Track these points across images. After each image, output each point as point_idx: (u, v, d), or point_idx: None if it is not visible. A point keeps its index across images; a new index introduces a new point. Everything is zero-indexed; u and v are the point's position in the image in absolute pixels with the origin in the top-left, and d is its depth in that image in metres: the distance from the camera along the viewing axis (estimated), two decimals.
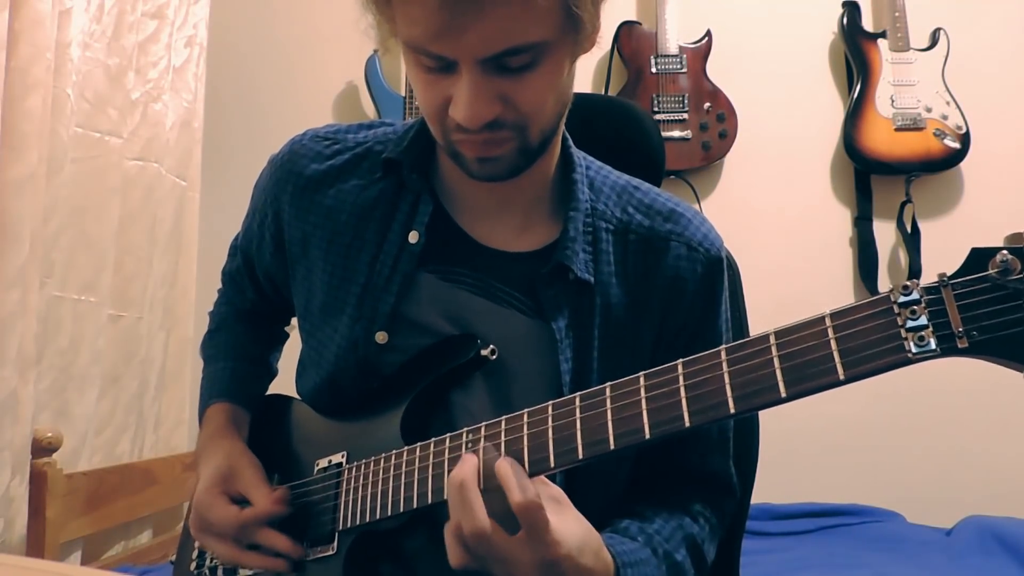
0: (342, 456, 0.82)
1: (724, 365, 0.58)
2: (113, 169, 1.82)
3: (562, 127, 0.82)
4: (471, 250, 0.84)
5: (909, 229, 2.27)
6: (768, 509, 2.04)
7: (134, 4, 1.91)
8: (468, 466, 0.65)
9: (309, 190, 0.86)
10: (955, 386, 2.09)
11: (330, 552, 0.78)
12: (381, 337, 0.82)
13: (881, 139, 2.24)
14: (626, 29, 2.37)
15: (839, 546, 1.87)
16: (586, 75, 2.44)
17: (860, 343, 0.53)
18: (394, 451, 0.75)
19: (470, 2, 0.63)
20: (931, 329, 0.51)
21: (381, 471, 0.76)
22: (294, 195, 0.87)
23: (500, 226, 0.84)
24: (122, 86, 1.86)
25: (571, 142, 0.86)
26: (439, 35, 0.66)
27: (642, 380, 0.62)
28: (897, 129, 2.23)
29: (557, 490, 0.68)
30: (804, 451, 2.15)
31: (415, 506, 0.71)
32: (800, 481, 2.14)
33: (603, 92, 2.38)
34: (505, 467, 0.64)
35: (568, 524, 0.65)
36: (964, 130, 2.21)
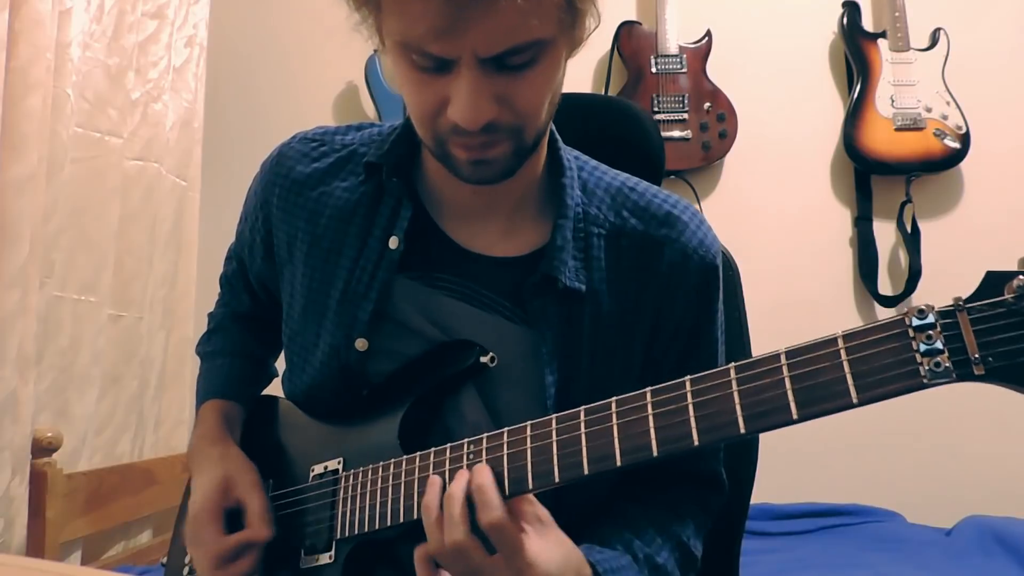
0: (338, 462, 0.80)
1: (734, 384, 0.56)
2: (113, 169, 1.82)
3: (551, 125, 0.80)
4: (454, 255, 0.81)
5: (909, 229, 2.26)
6: (768, 509, 2.04)
7: (134, 4, 1.90)
8: (433, 490, 0.66)
9: (295, 192, 0.86)
10: (955, 386, 2.08)
11: (328, 561, 0.77)
12: (361, 344, 0.81)
13: (881, 139, 2.23)
14: (626, 29, 2.37)
15: (839, 546, 1.87)
16: (586, 75, 2.44)
17: (874, 366, 0.52)
18: (392, 460, 0.74)
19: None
20: (947, 354, 0.51)
21: (380, 480, 0.74)
22: (281, 197, 0.86)
23: (485, 230, 0.82)
24: (122, 86, 1.86)
25: (561, 142, 0.84)
26: (441, 33, 0.62)
27: (649, 396, 0.60)
28: (897, 129, 2.22)
29: (542, 510, 0.67)
30: (804, 451, 2.15)
31: (415, 517, 0.70)
32: (800, 481, 2.14)
33: (603, 92, 2.37)
34: (479, 481, 0.63)
35: (548, 546, 0.65)
36: (964, 130, 2.21)
